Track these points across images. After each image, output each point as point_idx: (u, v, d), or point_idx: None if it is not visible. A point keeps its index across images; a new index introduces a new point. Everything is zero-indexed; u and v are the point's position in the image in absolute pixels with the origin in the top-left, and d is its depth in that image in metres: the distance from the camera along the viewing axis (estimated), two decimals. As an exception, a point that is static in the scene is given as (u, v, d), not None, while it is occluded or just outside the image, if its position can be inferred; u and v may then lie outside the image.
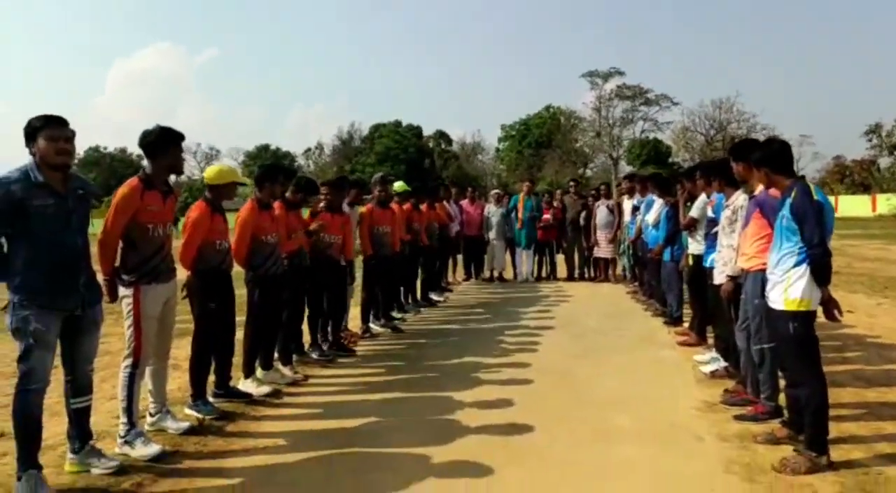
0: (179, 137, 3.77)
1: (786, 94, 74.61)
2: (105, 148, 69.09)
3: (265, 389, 4.82)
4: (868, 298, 8.83)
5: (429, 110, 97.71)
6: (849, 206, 36.52)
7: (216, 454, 3.73)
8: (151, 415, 4.01)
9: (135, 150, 59.20)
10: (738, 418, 4.11)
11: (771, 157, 3.62)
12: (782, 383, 3.96)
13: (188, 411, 4.30)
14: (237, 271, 4.71)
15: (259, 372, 5.04)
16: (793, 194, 3.40)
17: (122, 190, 3.63)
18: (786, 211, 3.42)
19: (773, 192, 3.77)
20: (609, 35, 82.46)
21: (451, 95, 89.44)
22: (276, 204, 5.24)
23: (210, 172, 4.40)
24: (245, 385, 4.83)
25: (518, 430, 4.04)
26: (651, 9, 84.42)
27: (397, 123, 65.00)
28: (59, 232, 3.10)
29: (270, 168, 5.07)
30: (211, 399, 4.50)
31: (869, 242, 18.44)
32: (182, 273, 4.18)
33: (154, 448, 3.57)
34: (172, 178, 3.89)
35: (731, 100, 45.21)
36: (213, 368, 4.57)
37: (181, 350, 5.15)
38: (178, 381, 4.94)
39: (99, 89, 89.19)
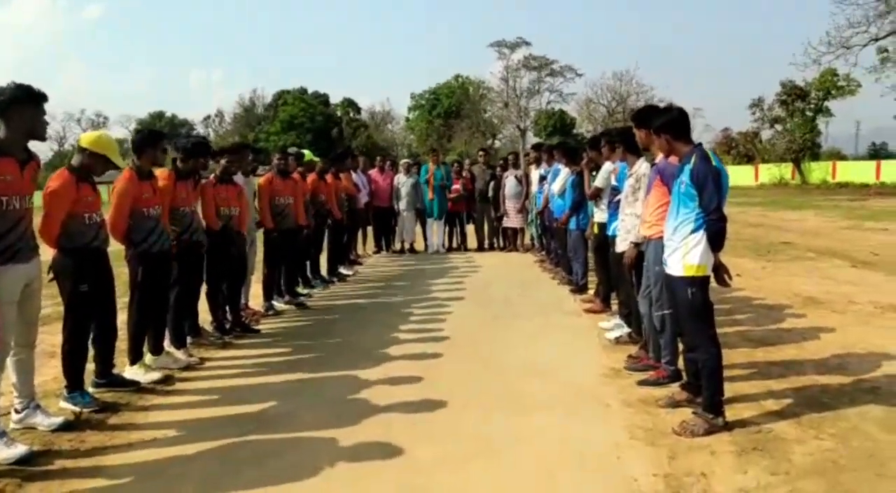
0: (40, 96, 3.27)
1: (679, 67, 78.51)
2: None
3: (154, 375, 4.44)
4: (753, 262, 9.44)
5: (336, 78, 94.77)
6: (735, 176, 38.92)
7: (95, 451, 3.37)
8: (17, 411, 3.56)
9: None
10: (641, 383, 4.21)
11: (671, 123, 3.64)
12: (682, 347, 4.09)
13: (63, 404, 3.87)
14: (117, 248, 4.27)
15: (148, 357, 4.63)
16: (692, 161, 3.43)
17: None
18: (685, 177, 3.46)
19: (673, 159, 3.82)
20: (517, 3, 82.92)
21: (359, 62, 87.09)
22: (164, 173, 4.79)
23: (89, 136, 3.89)
24: (131, 372, 4.42)
25: (428, 406, 3.94)
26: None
27: (303, 90, 62.63)
28: None
29: (151, 132, 4.57)
30: (91, 390, 4.08)
31: (752, 209, 19.85)
32: (48, 252, 3.71)
33: (19, 449, 3.16)
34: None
35: (630, 72, 46.86)
36: (93, 355, 4.14)
37: (57, 337, 4.63)
38: (54, 371, 4.44)
39: (-39, 46, 79.60)
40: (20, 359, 3.50)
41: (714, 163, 3.43)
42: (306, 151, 7.66)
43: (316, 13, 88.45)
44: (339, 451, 3.35)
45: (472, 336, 5.59)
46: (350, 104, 66.17)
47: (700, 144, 3.60)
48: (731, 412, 3.57)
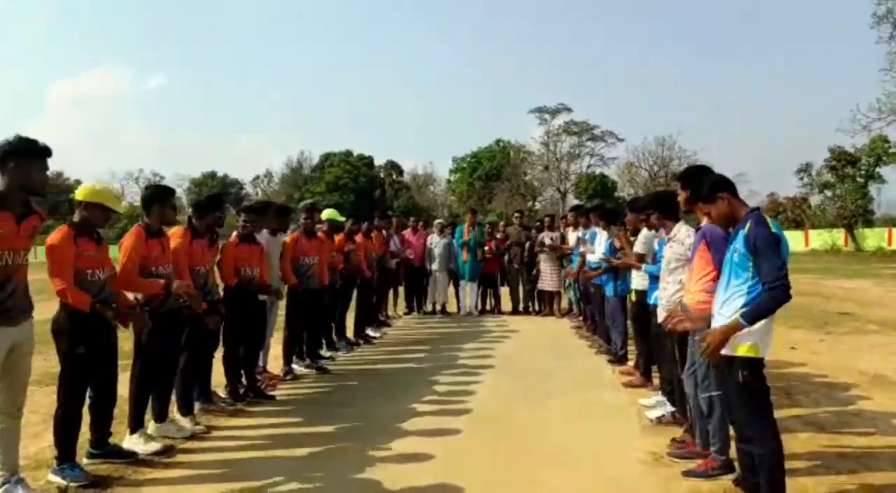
0: (41, 150, 3.18)
1: (721, 133, 77.99)
2: (41, 172, 65.70)
3: (154, 445, 4.15)
4: (810, 333, 8.74)
5: (381, 141, 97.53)
6: (784, 241, 37.75)
7: (73, 534, 3.07)
8: (-2, 486, 3.31)
9: (72, 174, 56.89)
10: (687, 474, 3.70)
11: (728, 181, 3.28)
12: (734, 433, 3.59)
13: (51, 477, 3.60)
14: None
15: (150, 425, 4.36)
16: (747, 226, 3.05)
17: None
18: (738, 244, 3.07)
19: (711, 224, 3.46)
20: (557, 71, 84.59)
21: (404, 126, 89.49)
22: (178, 231, 4.66)
23: (83, 189, 3.76)
24: (130, 442, 4.14)
25: (443, 493, 3.52)
26: (599, 46, 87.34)
27: (348, 153, 64.40)
28: None
29: (158, 188, 4.46)
30: (85, 461, 3.81)
31: (804, 276, 18.85)
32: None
33: (-13, 531, 2.88)
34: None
35: (672, 138, 46.76)
36: (89, 423, 3.90)
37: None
38: (50, 439, 4.20)
39: (39, 110, 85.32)
40: (3, 428, 3.27)
41: (773, 228, 3.04)
42: (329, 210, 7.49)
43: (362, 79, 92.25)
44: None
45: (499, 412, 5.15)
46: (393, 166, 67.61)
47: (757, 209, 3.21)
48: (795, 518, 3.05)
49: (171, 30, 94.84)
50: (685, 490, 3.51)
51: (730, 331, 3.02)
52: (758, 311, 2.98)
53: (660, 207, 4.54)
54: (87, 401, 3.84)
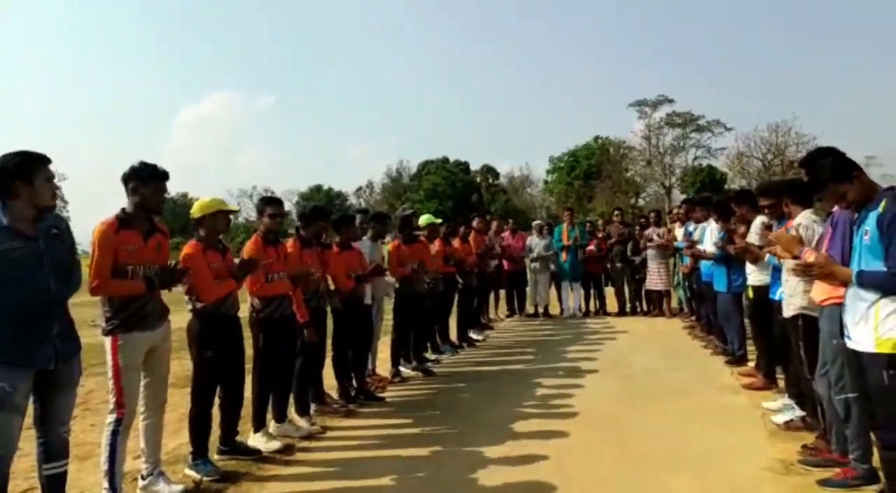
0: (160, 175, 3.52)
1: (846, 114, 71.15)
2: (168, 193, 72.01)
3: (275, 444, 4.39)
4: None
5: (476, 146, 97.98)
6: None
7: (209, 524, 3.31)
8: (143, 478, 3.63)
9: (196, 193, 61.90)
10: (823, 483, 3.40)
11: (843, 165, 3.01)
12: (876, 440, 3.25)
13: (187, 471, 3.90)
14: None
15: (271, 425, 4.62)
16: (882, 205, 2.77)
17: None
18: (870, 225, 2.78)
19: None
20: (655, 61, 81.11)
21: (497, 129, 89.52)
22: (290, 242, 4.93)
23: (197, 206, 4.09)
24: (254, 440, 4.41)
25: (554, 497, 3.45)
26: (696, 34, 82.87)
27: (444, 160, 65.39)
28: (26, 277, 2.79)
29: (274, 199, 4.74)
30: (216, 457, 4.10)
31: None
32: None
33: (136, 519, 3.17)
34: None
35: (787, 123, 43.29)
36: (219, 422, 4.19)
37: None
38: (186, 436, 4.56)
39: (165, 136, 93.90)
40: (148, 424, 3.60)
41: None
42: (426, 215, 7.63)
43: (456, 85, 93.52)
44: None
45: (610, 415, 4.99)
46: (489, 170, 67.85)
47: (893, 188, 2.90)
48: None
49: (274, 52, 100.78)
50: (822, 501, 3.22)
51: (839, 275, 2.86)
52: (876, 281, 2.74)
53: (793, 194, 4.21)
54: (217, 401, 4.14)
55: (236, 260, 4.26)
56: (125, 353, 3.30)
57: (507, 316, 11.37)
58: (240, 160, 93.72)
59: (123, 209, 3.45)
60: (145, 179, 3.45)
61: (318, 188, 71.99)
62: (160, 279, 3.42)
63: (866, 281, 2.79)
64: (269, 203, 4.59)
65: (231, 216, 4.16)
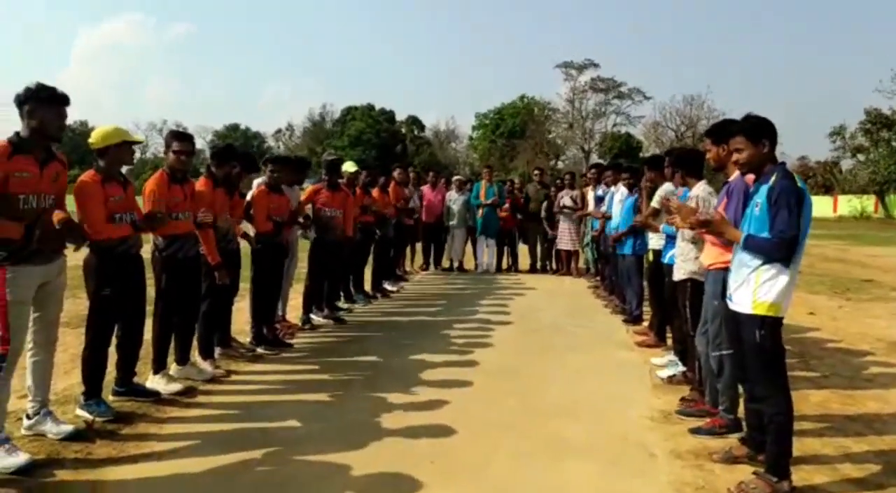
0: (59, 98, 3.23)
1: (754, 93, 75.43)
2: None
3: (176, 386, 4.30)
4: (830, 300, 8.64)
5: (403, 95, 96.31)
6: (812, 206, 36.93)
7: (100, 463, 3.23)
8: (29, 417, 3.46)
9: (96, 122, 57.37)
10: (694, 431, 3.75)
11: (770, 128, 3.07)
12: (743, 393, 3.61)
13: (79, 412, 3.76)
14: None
15: (172, 367, 4.51)
16: (772, 178, 2.97)
17: None
18: (760, 197, 2.99)
19: (749, 178, 3.35)
20: (585, 25, 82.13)
21: (426, 80, 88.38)
22: (201, 180, 4.72)
23: (96, 136, 3.77)
24: (153, 382, 4.30)
25: (454, 442, 3.61)
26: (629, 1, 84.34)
27: (370, 107, 63.91)
28: None
29: (182, 133, 4.47)
30: (110, 398, 3.97)
31: (830, 243, 18.53)
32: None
33: (18, 458, 3.03)
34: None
35: (701, 96, 45.35)
36: (115, 362, 4.04)
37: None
38: (79, 377, 4.38)
39: (64, 61, 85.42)
40: (36, 360, 3.41)
41: (799, 183, 2.97)
42: (348, 163, 7.47)
43: (385, 33, 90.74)
44: (347, 482, 3.09)
45: (512, 367, 5.22)
46: (415, 122, 67.02)
47: (784, 163, 3.11)
48: (799, 476, 3.08)
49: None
50: (691, 447, 3.55)
51: (729, 234, 3.13)
52: (760, 246, 2.96)
53: (684, 165, 4.47)
54: (114, 341, 3.97)
55: (138, 198, 4.02)
56: (14, 287, 3.07)
57: (423, 269, 11.50)
58: (149, 91, 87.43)
59: (17, 133, 3.16)
60: (43, 101, 3.16)
61: (234, 127, 68.76)
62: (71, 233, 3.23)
63: (752, 245, 3.00)
64: (177, 138, 4.34)
65: (135, 148, 3.89)
